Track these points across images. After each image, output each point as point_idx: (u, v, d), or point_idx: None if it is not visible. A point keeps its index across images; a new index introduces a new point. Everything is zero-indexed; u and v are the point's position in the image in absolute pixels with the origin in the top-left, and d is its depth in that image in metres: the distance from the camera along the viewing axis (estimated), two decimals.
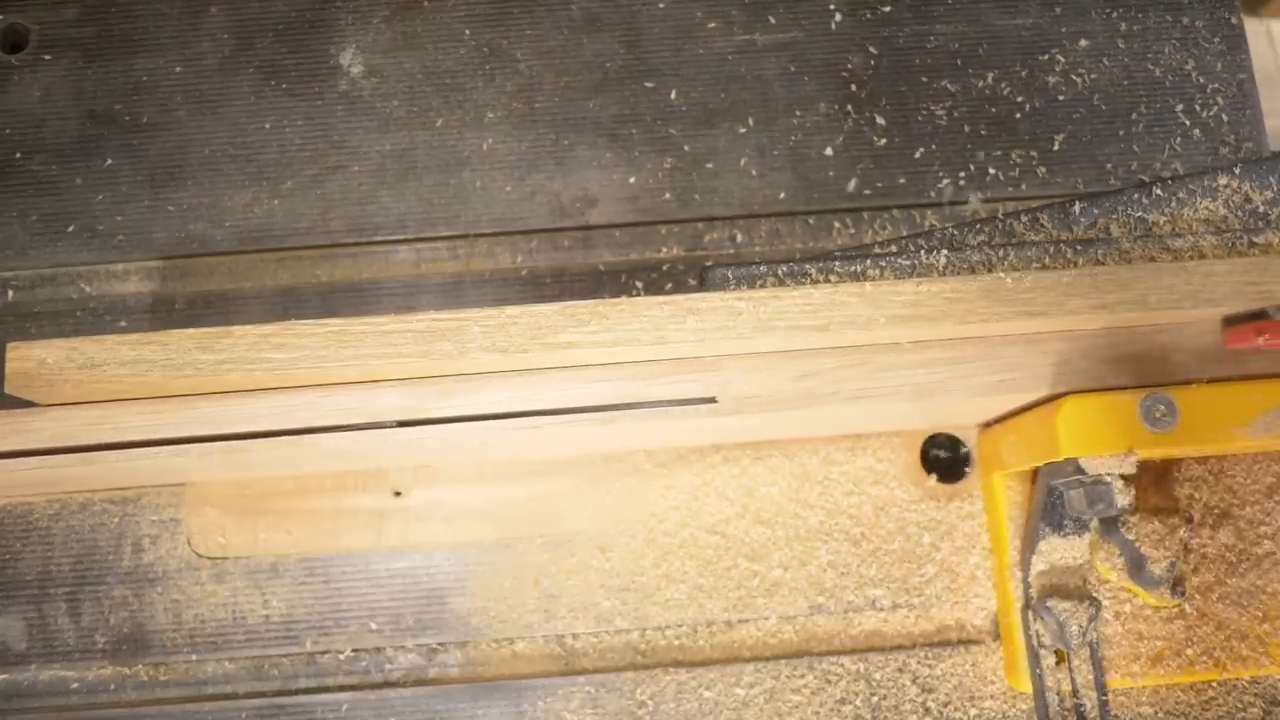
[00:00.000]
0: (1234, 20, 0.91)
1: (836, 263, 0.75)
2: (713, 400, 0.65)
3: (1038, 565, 0.67)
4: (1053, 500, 0.65)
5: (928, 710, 0.71)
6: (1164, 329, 0.66)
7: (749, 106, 0.89)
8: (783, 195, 0.87)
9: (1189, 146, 0.88)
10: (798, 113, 0.89)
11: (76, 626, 0.72)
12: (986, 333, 0.65)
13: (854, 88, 0.89)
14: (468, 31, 0.91)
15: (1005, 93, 0.89)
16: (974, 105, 0.89)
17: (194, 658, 0.72)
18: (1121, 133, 0.88)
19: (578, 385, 0.65)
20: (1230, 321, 0.65)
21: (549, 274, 0.86)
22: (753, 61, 0.90)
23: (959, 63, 0.90)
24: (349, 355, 0.62)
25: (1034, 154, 0.88)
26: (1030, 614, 0.67)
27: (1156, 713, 0.69)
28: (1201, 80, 0.89)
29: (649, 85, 0.89)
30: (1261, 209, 0.77)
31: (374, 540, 0.73)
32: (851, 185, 0.87)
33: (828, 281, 0.75)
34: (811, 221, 0.87)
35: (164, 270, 0.85)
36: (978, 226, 0.77)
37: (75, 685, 0.73)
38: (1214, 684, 0.69)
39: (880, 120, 0.88)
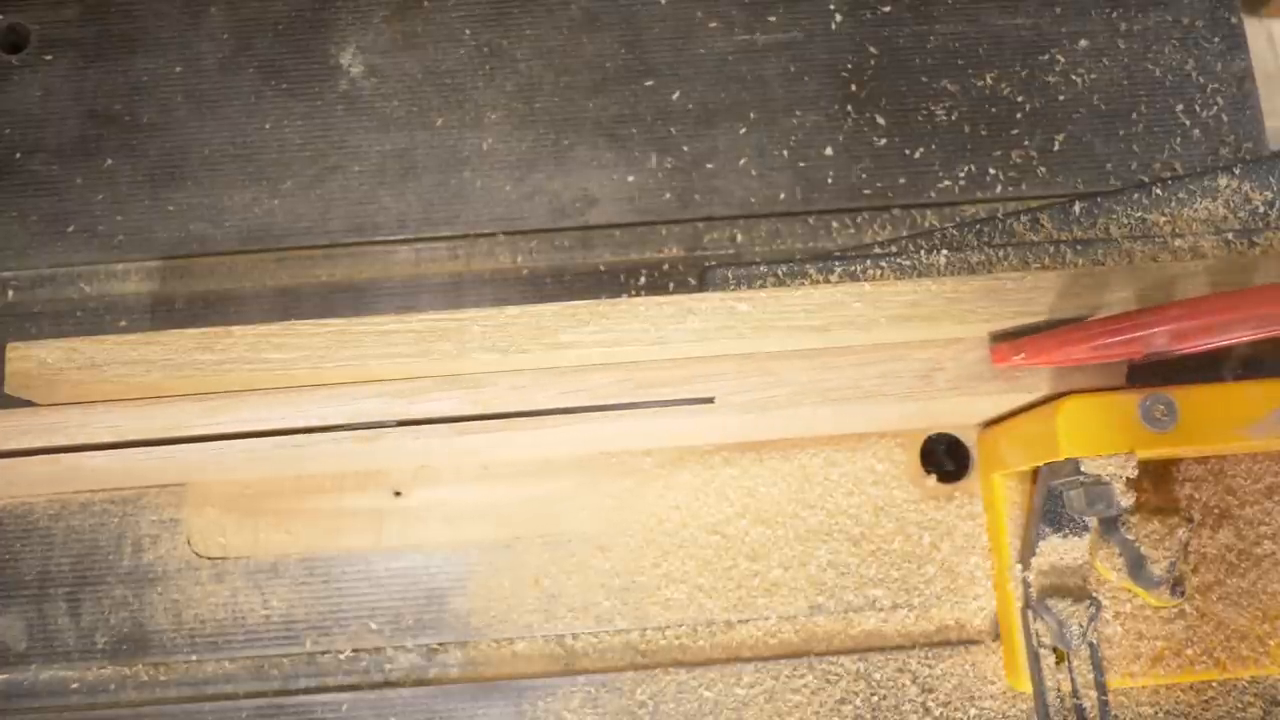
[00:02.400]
0: (1234, 20, 0.91)
1: (836, 263, 0.75)
2: (710, 400, 0.64)
3: (1038, 565, 0.67)
4: (1053, 500, 0.65)
5: (928, 710, 0.71)
6: None
7: (749, 106, 0.89)
8: (783, 195, 0.87)
9: (1189, 146, 0.88)
10: (798, 113, 0.89)
11: (76, 626, 0.72)
12: (987, 333, 0.65)
13: (854, 88, 0.89)
14: (468, 31, 0.91)
15: (1005, 93, 0.89)
16: (974, 105, 0.89)
17: (194, 658, 0.72)
18: (1121, 133, 0.88)
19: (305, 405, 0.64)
20: (996, 338, 0.65)
21: (549, 274, 0.86)
22: (753, 61, 0.90)
23: (959, 63, 0.90)
24: (349, 355, 0.62)
25: (1034, 154, 0.88)
26: (1030, 614, 0.67)
27: (1156, 713, 0.69)
28: (1201, 80, 0.89)
29: (649, 85, 0.89)
30: (1261, 209, 0.77)
31: (374, 540, 0.73)
32: (851, 185, 0.87)
33: (828, 281, 0.75)
34: (811, 221, 0.87)
35: (164, 270, 0.85)
36: (978, 226, 0.77)
37: (75, 685, 0.73)
38: (1214, 684, 0.69)
39: (880, 120, 0.88)
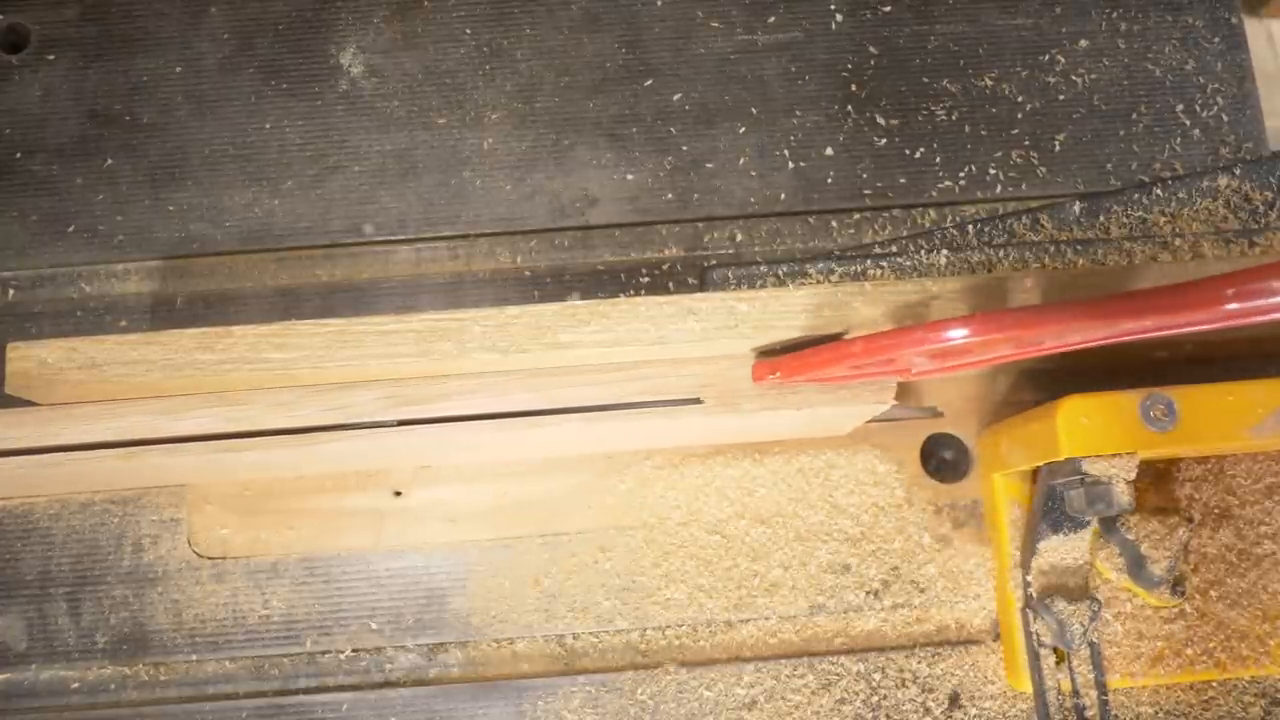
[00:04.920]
0: (1234, 20, 0.91)
1: (836, 263, 0.75)
2: (698, 401, 0.64)
3: (1038, 565, 0.67)
4: (1053, 500, 0.65)
5: (928, 710, 0.71)
6: None
7: (749, 106, 0.89)
8: (783, 195, 0.87)
9: (1189, 146, 0.88)
10: (798, 113, 0.89)
11: (77, 626, 0.72)
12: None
13: (854, 88, 0.89)
14: (468, 31, 0.91)
15: (1005, 93, 0.89)
16: (974, 105, 0.89)
17: (194, 658, 0.72)
18: (1121, 133, 0.88)
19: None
20: (761, 355, 0.64)
21: (549, 274, 0.86)
22: (753, 61, 0.90)
23: (959, 63, 0.90)
24: (349, 355, 0.62)
25: (1034, 154, 0.88)
26: (1030, 614, 0.67)
27: (1156, 713, 0.69)
28: (1201, 80, 0.89)
29: (649, 85, 0.89)
30: (1261, 209, 0.77)
31: (374, 540, 0.73)
32: (851, 185, 0.87)
33: (828, 281, 0.75)
34: (811, 221, 0.87)
35: (164, 270, 0.85)
36: (978, 226, 0.77)
37: (75, 685, 0.73)
38: (1214, 684, 0.69)
39: (880, 120, 0.88)
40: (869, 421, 0.74)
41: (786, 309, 0.63)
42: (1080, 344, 0.56)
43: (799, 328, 0.62)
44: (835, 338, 0.62)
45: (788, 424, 0.68)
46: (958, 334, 0.51)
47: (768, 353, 0.64)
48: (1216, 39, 0.90)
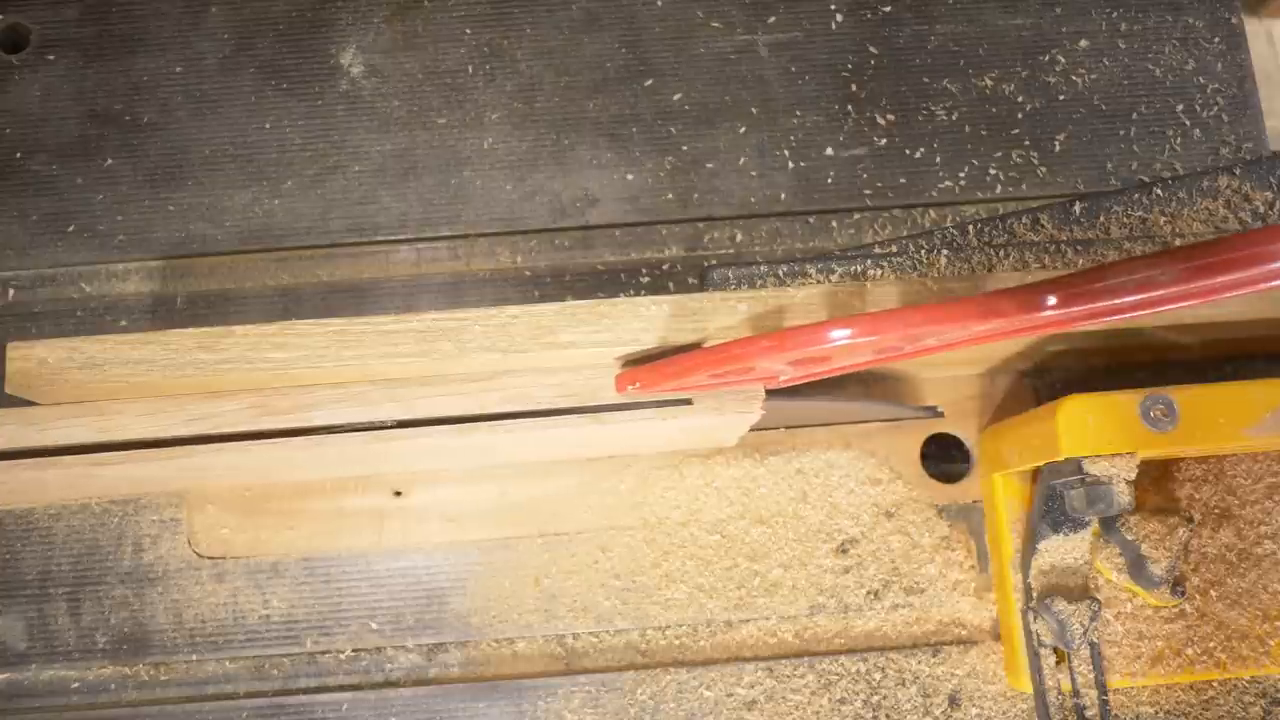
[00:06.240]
0: (1234, 20, 0.91)
1: (836, 263, 0.75)
2: (688, 402, 0.64)
3: (1038, 565, 0.67)
4: (1053, 500, 0.65)
5: (928, 710, 0.71)
6: None
7: (749, 106, 0.89)
8: (783, 195, 0.87)
9: (1189, 146, 0.88)
10: (798, 113, 0.89)
11: (77, 626, 0.72)
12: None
13: (854, 88, 0.89)
14: (468, 31, 0.91)
15: (1005, 93, 0.89)
16: (974, 105, 0.89)
17: (194, 658, 0.72)
18: (1121, 133, 0.88)
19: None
20: (625, 364, 0.63)
21: (549, 274, 0.86)
22: (753, 61, 0.90)
23: (959, 63, 0.90)
24: (349, 355, 0.62)
25: (1034, 154, 0.88)
26: (1030, 614, 0.67)
27: (1156, 713, 0.69)
28: (1201, 80, 0.89)
29: (649, 85, 0.89)
30: (1261, 209, 0.77)
31: (374, 540, 0.73)
32: (851, 185, 0.87)
33: (828, 281, 0.75)
34: (811, 221, 0.87)
35: (164, 270, 0.85)
36: (978, 226, 0.77)
37: (75, 685, 0.73)
38: (1214, 684, 0.69)
39: (880, 120, 0.88)
40: (870, 422, 0.74)
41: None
42: (938, 348, 0.56)
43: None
44: (692, 347, 0.61)
45: (661, 435, 0.68)
46: (807, 340, 0.51)
47: (631, 362, 0.63)
48: (1216, 39, 0.90)
